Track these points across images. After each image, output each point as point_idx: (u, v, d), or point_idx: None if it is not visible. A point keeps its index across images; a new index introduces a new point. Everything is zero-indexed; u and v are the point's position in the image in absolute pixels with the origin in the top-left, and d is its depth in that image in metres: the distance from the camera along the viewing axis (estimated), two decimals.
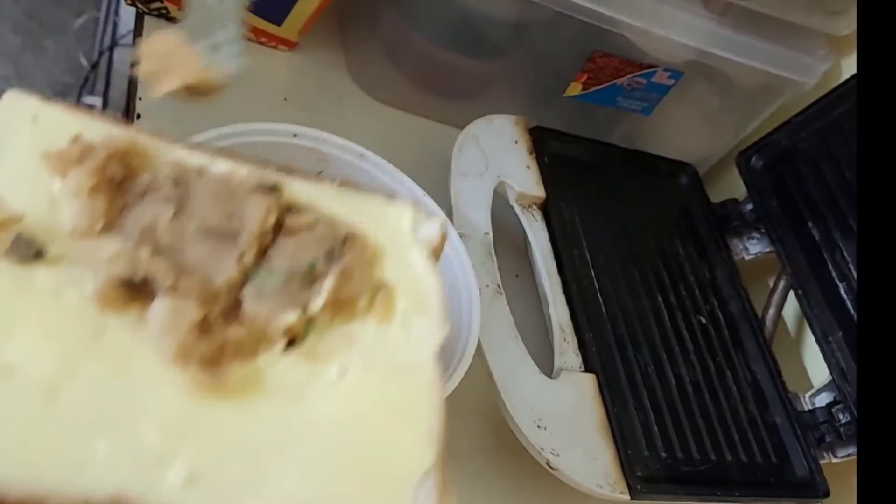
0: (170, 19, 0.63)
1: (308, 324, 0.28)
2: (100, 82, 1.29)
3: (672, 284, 0.64)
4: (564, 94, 0.70)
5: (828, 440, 0.60)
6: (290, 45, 0.66)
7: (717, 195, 0.76)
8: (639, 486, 0.50)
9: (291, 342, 0.28)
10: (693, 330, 0.62)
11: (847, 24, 0.68)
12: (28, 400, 0.25)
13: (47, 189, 0.30)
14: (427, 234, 0.30)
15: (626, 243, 0.65)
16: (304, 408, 0.26)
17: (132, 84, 0.59)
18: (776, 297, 0.68)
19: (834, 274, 0.64)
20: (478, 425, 0.54)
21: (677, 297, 0.64)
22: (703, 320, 0.64)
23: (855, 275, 0.63)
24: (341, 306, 0.28)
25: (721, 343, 0.63)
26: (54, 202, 0.29)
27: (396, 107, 0.70)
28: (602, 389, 0.54)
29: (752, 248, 0.71)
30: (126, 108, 0.58)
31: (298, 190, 0.30)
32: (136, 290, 0.28)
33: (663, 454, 0.54)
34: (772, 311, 0.67)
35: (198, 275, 0.28)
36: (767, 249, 0.69)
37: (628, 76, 0.68)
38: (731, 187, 0.77)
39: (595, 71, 0.68)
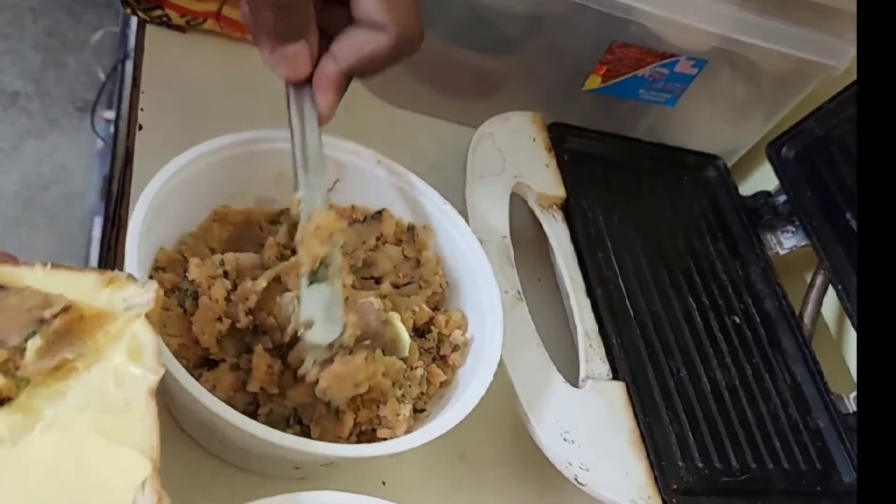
0: (171, 27, 0.61)
1: (20, 384, 0.31)
2: (115, 96, 1.28)
3: (703, 284, 0.61)
4: (583, 88, 0.67)
5: None
6: None
7: (747, 188, 0.73)
8: (674, 501, 0.47)
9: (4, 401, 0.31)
10: (727, 331, 0.59)
11: None
12: None
13: None
14: (141, 301, 0.33)
15: (653, 242, 0.62)
16: (17, 454, 0.29)
17: (134, 95, 0.57)
18: (814, 294, 0.64)
19: None
20: (504, 437, 0.52)
21: (709, 298, 0.60)
22: (738, 320, 0.60)
23: None
24: (56, 367, 0.31)
25: (758, 344, 0.60)
26: None
27: (410, 109, 0.68)
28: (632, 398, 0.51)
29: (787, 242, 0.67)
30: (129, 119, 0.57)
31: (7, 272, 0.32)
32: None
33: (700, 465, 0.51)
34: (810, 307, 0.64)
35: None
36: (803, 243, 0.66)
37: (650, 66, 0.65)
38: (763, 179, 0.73)
39: (614, 62, 0.65)
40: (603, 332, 0.54)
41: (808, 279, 0.66)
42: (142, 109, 0.56)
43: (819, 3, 0.64)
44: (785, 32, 0.64)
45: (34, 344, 0.31)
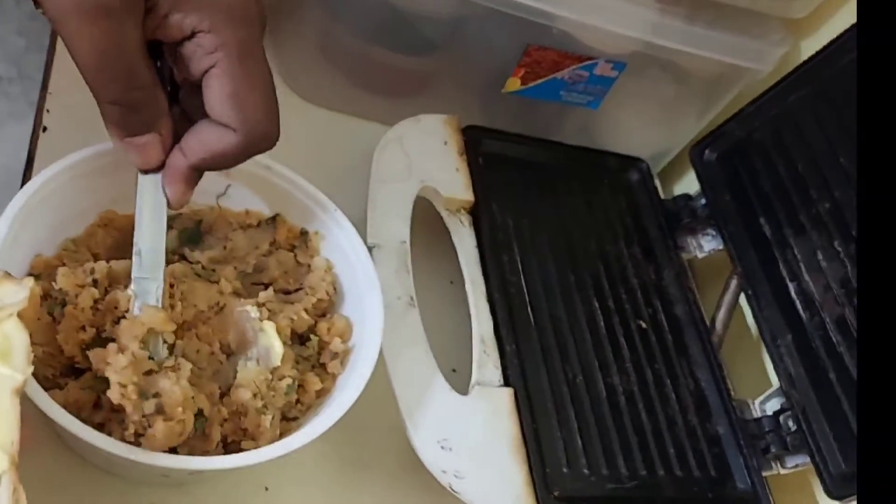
0: None
1: None
2: None
3: (611, 288, 0.61)
4: (503, 91, 0.67)
5: (774, 450, 0.57)
6: None
7: (678, 191, 0.73)
8: None
9: None
10: (631, 336, 0.60)
11: (803, 6, 0.64)
12: None
13: None
14: (15, 300, 0.33)
15: (563, 246, 0.62)
16: None
17: (41, 97, 0.57)
18: (727, 298, 0.64)
19: (784, 273, 0.61)
20: (392, 442, 0.52)
21: (616, 302, 0.61)
22: (644, 325, 0.61)
23: (805, 275, 0.59)
24: None
25: (662, 349, 0.60)
26: None
27: (330, 108, 0.68)
28: (519, 405, 0.51)
29: (706, 245, 0.68)
30: (35, 119, 0.57)
31: None
32: None
33: (586, 472, 0.52)
34: (722, 312, 0.64)
35: None
36: (720, 247, 0.66)
37: (568, 69, 0.65)
38: (691, 182, 0.73)
39: (532, 65, 0.65)
40: (498, 337, 0.54)
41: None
42: (47, 111, 0.57)
43: (743, 7, 0.64)
44: (706, 37, 0.64)
45: None
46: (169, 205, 0.42)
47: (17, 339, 0.32)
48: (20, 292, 0.33)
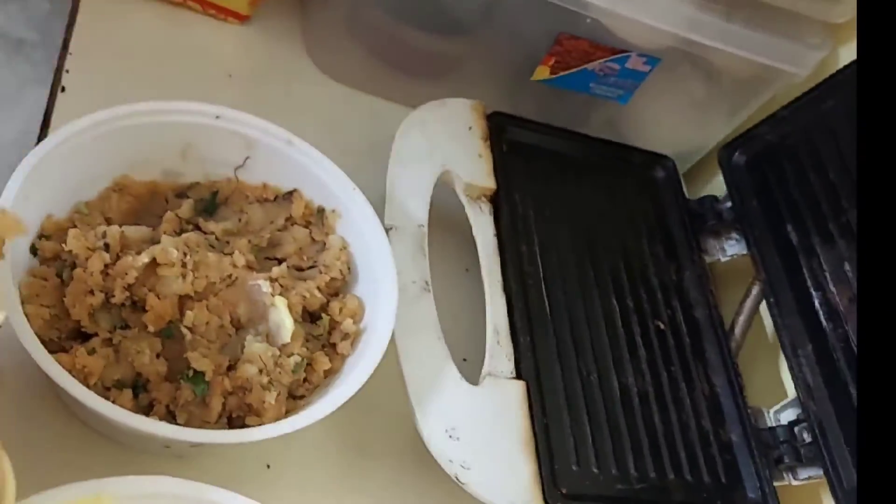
0: None
1: None
2: None
3: (631, 286, 0.60)
4: (532, 79, 0.65)
5: (787, 461, 0.56)
6: (241, 18, 0.63)
7: (703, 192, 0.71)
8: None
9: None
10: (649, 336, 0.58)
11: (844, 11, 0.63)
12: None
13: None
14: None
15: (584, 240, 0.60)
16: None
17: (61, 56, 0.57)
18: (748, 304, 0.63)
19: (809, 283, 0.59)
20: (398, 427, 0.51)
21: (635, 300, 0.59)
22: (662, 326, 0.59)
23: (831, 286, 0.58)
24: None
25: (679, 351, 0.59)
26: None
27: (353, 86, 0.67)
28: (531, 398, 0.50)
29: (730, 249, 0.66)
30: (53, 80, 0.56)
31: None
32: None
33: (595, 470, 0.50)
34: (742, 317, 0.62)
35: None
36: (744, 252, 0.64)
37: (599, 61, 0.64)
38: (719, 184, 0.72)
39: (563, 54, 0.63)
40: (513, 328, 0.53)
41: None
42: (67, 71, 0.56)
43: (783, 8, 0.62)
44: (743, 36, 0.62)
45: None
46: None
47: None
48: None
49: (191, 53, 0.61)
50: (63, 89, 0.55)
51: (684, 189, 0.69)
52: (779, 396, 0.63)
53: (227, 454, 0.46)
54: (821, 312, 0.58)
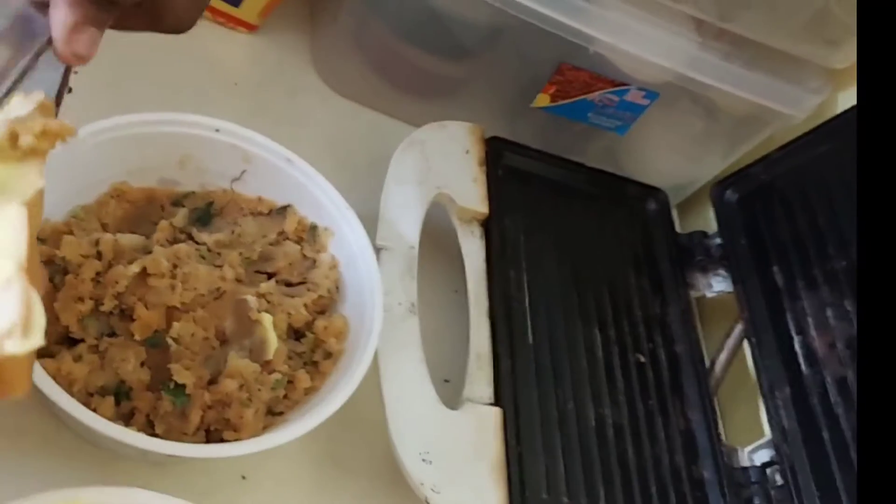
0: None
1: None
2: None
3: (615, 317, 0.61)
4: (532, 105, 0.66)
5: (756, 502, 0.56)
6: (250, 28, 0.64)
7: (694, 227, 0.72)
8: None
9: None
10: (628, 369, 0.59)
11: (844, 56, 0.64)
12: None
13: None
14: (22, 112, 0.30)
15: (571, 269, 0.61)
16: None
17: None
18: (730, 342, 0.64)
19: (791, 325, 0.60)
20: (375, 446, 0.52)
21: (617, 332, 0.60)
22: (642, 359, 0.60)
23: (812, 330, 0.59)
24: None
25: (658, 385, 0.59)
26: None
27: (357, 101, 0.68)
28: (507, 425, 0.51)
29: (716, 285, 0.67)
30: (61, 81, 0.57)
31: None
32: None
33: (565, 499, 0.51)
34: (723, 355, 0.63)
35: None
36: (730, 290, 0.65)
37: (599, 92, 0.64)
38: (710, 220, 0.73)
39: (564, 83, 0.64)
40: (495, 353, 0.54)
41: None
42: (76, 72, 0.56)
43: (784, 51, 0.63)
44: (742, 76, 0.63)
45: None
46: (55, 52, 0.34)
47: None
48: (27, 105, 0.31)
49: (198, 60, 0.62)
50: (70, 90, 0.55)
51: (675, 223, 0.70)
52: (756, 435, 0.63)
53: (204, 464, 0.47)
54: (800, 356, 0.59)
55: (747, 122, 0.68)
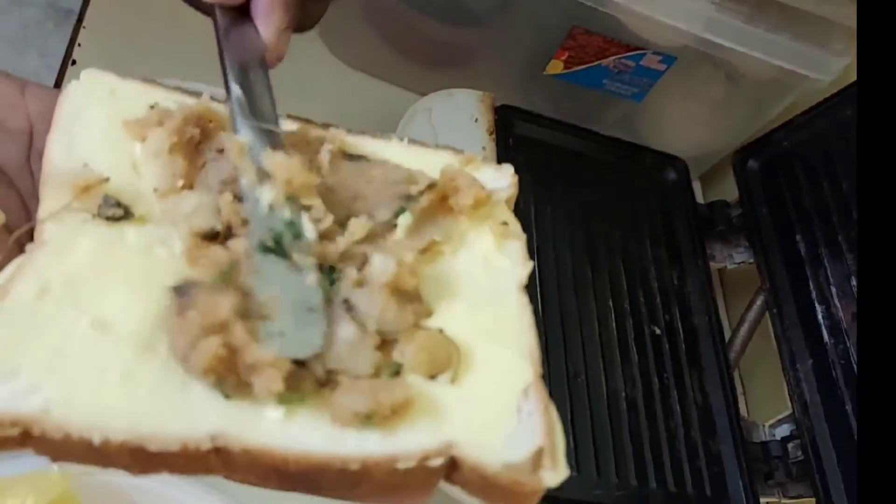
0: None
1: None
2: None
3: (630, 288, 0.59)
4: (545, 73, 0.64)
5: (776, 477, 0.54)
6: None
7: (716, 197, 0.69)
8: None
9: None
10: (643, 341, 0.57)
11: None
12: (124, 351, 0.25)
13: (129, 154, 0.30)
14: (501, 185, 0.31)
15: (584, 239, 0.60)
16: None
17: (75, 29, 0.57)
18: (752, 314, 0.61)
19: (814, 295, 0.58)
20: None
21: (632, 303, 0.58)
22: (658, 331, 0.58)
23: (835, 300, 0.56)
24: (424, 249, 0.29)
25: (674, 359, 0.58)
26: (136, 166, 0.30)
27: (366, 71, 0.67)
28: None
29: (738, 256, 0.65)
30: (64, 57, 0.57)
31: (363, 143, 0.32)
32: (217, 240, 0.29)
33: (574, 473, 0.50)
34: (744, 328, 0.61)
35: None
36: (752, 260, 0.63)
37: (613, 57, 0.63)
38: (733, 190, 0.70)
39: (577, 49, 0.62)
40: None
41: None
42: (79, 45, 0.56)
43: (807, 11, 0.61)
44: (762, 38, 0.61)
45: (405, 221, 0.29)
46: (266, 57, 0.34)
47: (514, 227, 0.30)
48: (503, 178, 0.31)
49: (204, 31, 0.61)
50: (74, 62, 0.55)
51: (695, 192, 0.67)
52: (779, 410, 0.61)
53: None
54: (823, 326, 0.57)
55: (770, 87, 0.66)
